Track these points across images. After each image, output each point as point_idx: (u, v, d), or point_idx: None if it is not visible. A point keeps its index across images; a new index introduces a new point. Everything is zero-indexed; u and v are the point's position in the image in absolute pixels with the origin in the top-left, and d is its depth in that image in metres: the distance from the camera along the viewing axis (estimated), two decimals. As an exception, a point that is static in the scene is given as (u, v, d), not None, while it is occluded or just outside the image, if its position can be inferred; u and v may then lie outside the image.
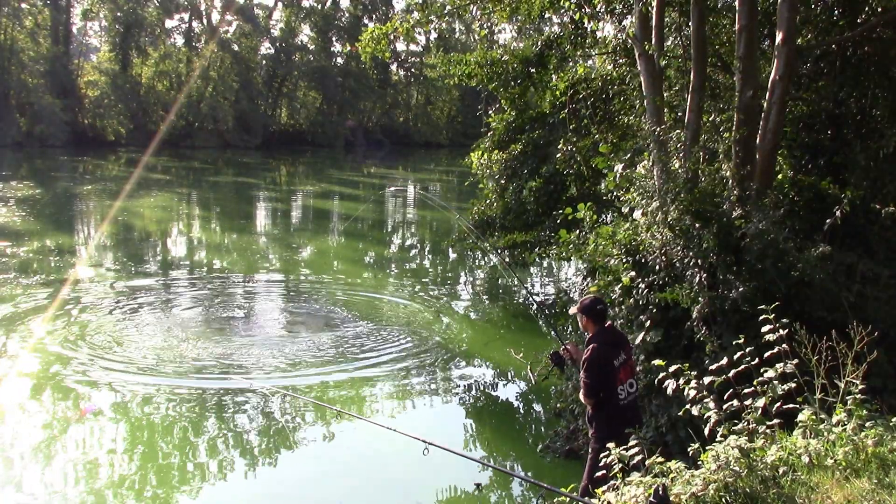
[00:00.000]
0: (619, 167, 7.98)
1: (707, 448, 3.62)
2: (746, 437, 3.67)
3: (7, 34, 46.82)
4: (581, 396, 5.10)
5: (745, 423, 3.86)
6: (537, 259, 12.47)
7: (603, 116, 10.99)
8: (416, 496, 6.27)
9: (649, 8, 8.14)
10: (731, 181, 6.56)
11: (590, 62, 12.45)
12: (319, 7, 65.08)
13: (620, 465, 3.72)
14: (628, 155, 7.97)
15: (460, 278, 16.35)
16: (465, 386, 8.99)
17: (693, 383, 4.06)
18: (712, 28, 8.48)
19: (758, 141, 6.58)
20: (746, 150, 6.57)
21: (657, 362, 4.85)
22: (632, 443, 3.82)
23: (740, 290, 5.66)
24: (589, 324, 5.03)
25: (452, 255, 18.36)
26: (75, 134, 47.77)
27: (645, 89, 7.94)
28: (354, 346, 10.19)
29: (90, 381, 8.53)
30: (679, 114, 8.10)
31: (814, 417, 3.95)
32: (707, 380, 4.11)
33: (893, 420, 4.13)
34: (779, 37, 6.43)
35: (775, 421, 3.88)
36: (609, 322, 5.15)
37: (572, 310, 5.27)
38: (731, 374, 4.20)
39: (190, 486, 6.45)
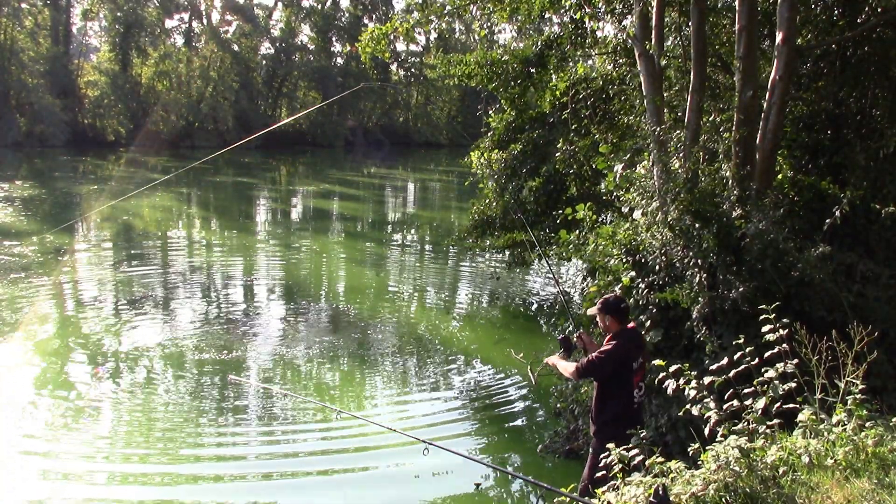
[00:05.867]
0: (619, 167, 7.98)
1: (707, 448, 3.62)
2: (746, 437, 3.67)
3: (7, 34, 46.78)
4: (571, 369, 4.82)
5: (745, 423, 3.86)
6: (537, 259, 12.48)
7: (603, 116, 10.97)
8: (417, 496, 6.28)
9: (649, 8, 8.13)
10: (731, 181, 6.55)
11: (590, 62, 12.43)
12: (319, 7, 65.07)
13: (620, 465, 3.72)
14: (628, 155, 7.96)
15: (460, 278, 16.34)
16: (465, 386, 8.99)
17: (693, 383, 4.07)
18: (712, 28, 8.48)
19: (758, 141, 6.58)
20: (746, 150, 6.57)
21: (657, 362, 4.84)
22: (632, 443, 3.82)
23: (740, 290, 5.67)
24: (613, 323, 4.88)
25: (452, 255, 18.34)
26: (75, 134, 47.74)
27: (645, 89, 7.93)
28: (354, 345, 10.19)
29: (90, 379, 8.54)
30: (679, 114, 8.09)
31: (814, 417, 3.95)
32: (707, 380, 4.11)
33: (893, 420, 4.13)
34: (779, 37, 6.43)
35: (775, 421, 3.88)
36: (632, 322, 5.05)
37: (592, 310, 5.07)
38: (731, 374, 4.20)
39: (186, 480, 6.45)
